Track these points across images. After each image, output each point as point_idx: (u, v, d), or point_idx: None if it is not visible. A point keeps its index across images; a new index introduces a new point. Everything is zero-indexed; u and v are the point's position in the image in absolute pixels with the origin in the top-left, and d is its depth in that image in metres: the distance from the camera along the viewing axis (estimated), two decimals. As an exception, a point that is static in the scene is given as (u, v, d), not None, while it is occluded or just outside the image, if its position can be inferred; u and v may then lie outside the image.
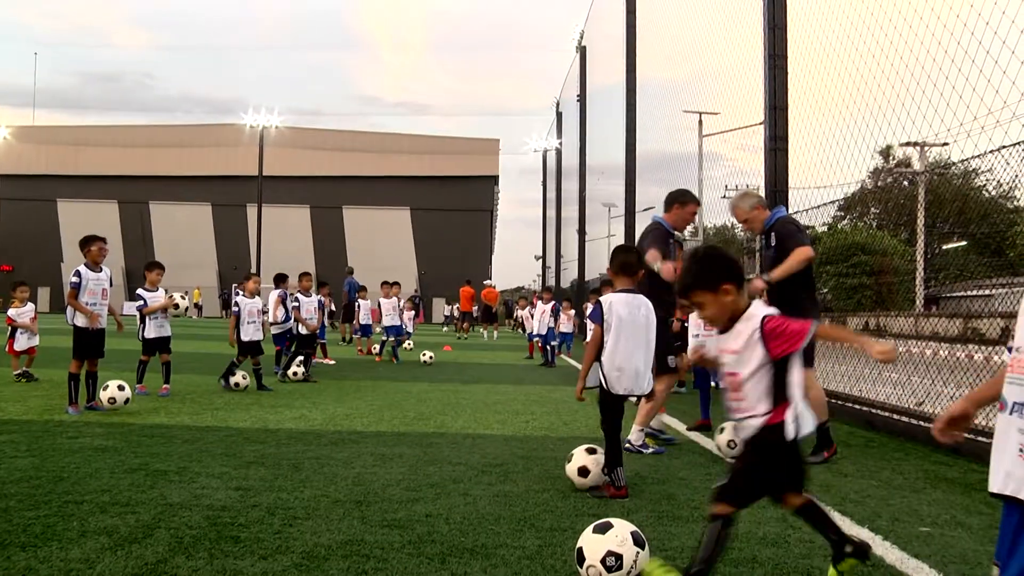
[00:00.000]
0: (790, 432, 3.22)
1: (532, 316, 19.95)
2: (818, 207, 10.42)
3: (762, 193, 9.71)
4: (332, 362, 15.88)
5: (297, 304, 13.29)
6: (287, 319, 13.65)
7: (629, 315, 5.36)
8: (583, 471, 5.30)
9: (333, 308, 15.75)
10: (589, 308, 6.60)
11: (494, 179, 63.40)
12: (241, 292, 11.63)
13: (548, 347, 17.58)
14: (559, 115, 40.60)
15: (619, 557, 3.47)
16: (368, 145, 60.86)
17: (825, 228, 13.24)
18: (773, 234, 6.77)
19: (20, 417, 8.03)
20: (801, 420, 3.25)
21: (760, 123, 11.20)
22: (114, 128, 65.04)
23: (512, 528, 4.40)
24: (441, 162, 60.23)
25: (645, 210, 20.35)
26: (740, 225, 7.80)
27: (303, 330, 13.10)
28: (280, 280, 14.26)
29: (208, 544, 3.95)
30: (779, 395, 3.26)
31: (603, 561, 3.46)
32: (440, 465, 6.09)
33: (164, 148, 60.88)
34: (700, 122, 22.40)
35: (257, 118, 46.93)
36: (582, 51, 30.98)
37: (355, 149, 60.53)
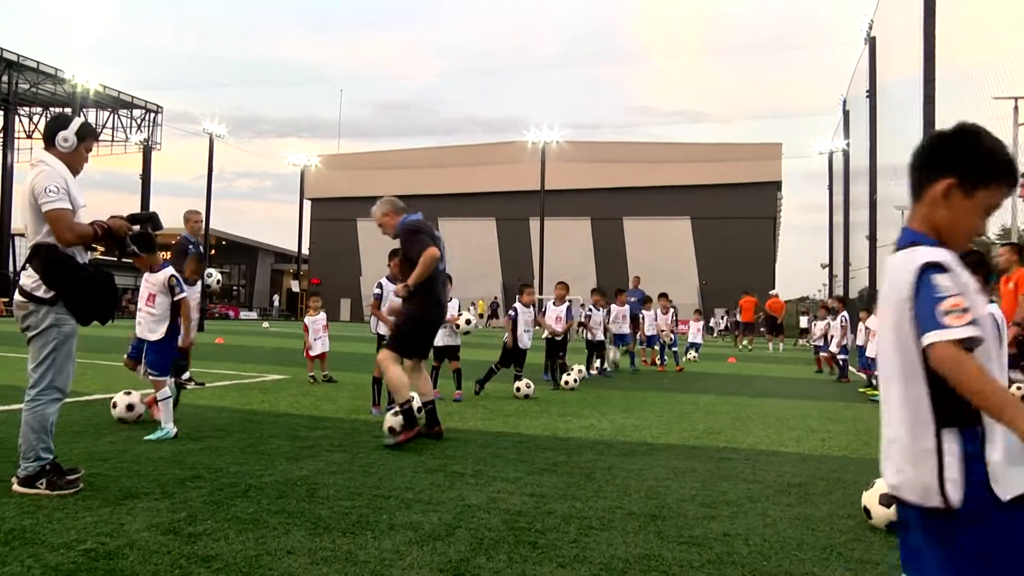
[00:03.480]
0: None
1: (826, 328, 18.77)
2: None
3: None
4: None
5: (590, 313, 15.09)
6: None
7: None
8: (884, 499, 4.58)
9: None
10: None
11: (776, 185, 61.13)
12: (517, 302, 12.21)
13: (840, 361, 16.51)
14: (846, 113, 38.32)
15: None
16: (646, 155, 60.89)
17: None
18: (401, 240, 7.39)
19: (332, 415, 8.71)
20: None
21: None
22: (405, 152, 70.23)
23: (818, 555, 4.08)
24: (721, 169, 58.92)
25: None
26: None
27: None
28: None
29: (507, 547, 3.99)
30: None
31: None
32: (735, 482, 5.82)
33: (450, 168, 64.70)
34: (1016, 108, 20.14)
35: (538, 134, 48.35)
36: (871, 42, 29.05)
37: (633, 160, 60.76)
